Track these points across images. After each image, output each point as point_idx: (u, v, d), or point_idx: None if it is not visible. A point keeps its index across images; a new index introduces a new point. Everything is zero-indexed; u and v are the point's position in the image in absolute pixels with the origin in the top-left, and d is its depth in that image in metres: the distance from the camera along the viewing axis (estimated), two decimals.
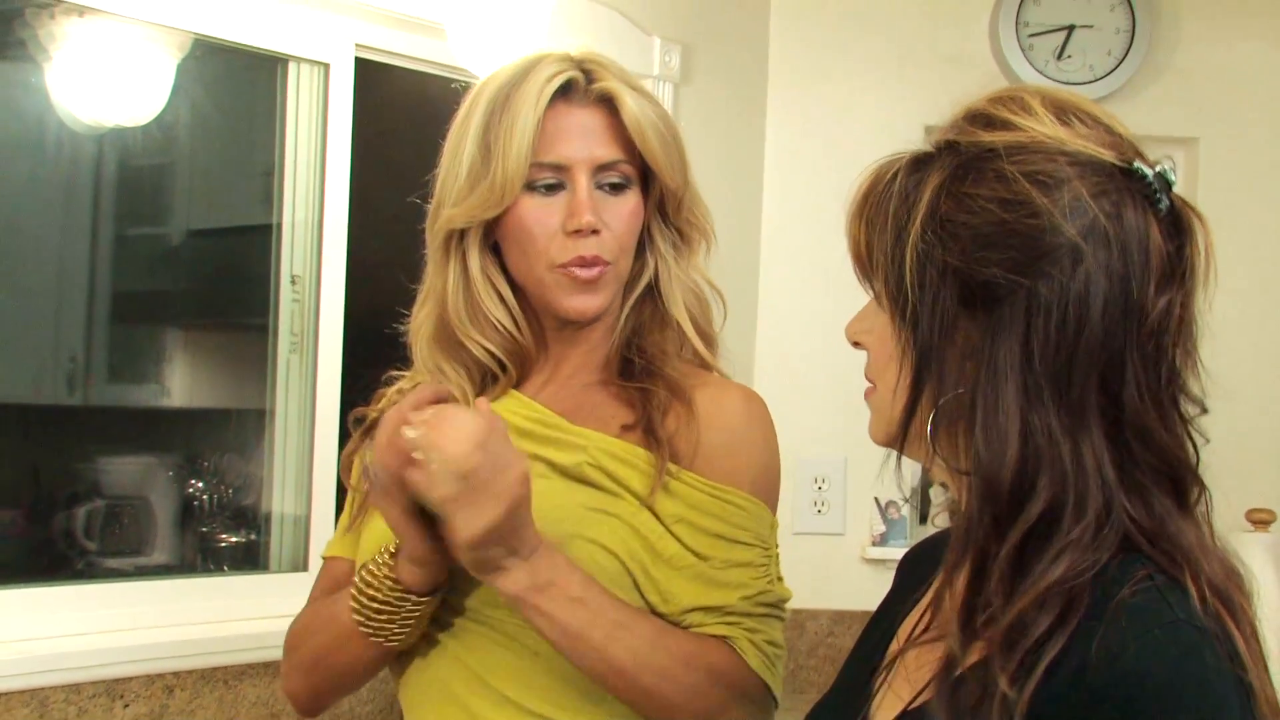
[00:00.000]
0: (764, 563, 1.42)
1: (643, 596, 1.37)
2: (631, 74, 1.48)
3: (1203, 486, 1.02)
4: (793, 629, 2.65)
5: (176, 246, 3.29)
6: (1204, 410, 1.03)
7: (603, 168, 1.43)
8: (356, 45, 2.48)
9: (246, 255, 2.75)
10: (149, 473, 3.14)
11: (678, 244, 1.48)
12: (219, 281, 3.20)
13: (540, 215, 1.41)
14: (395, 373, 1.56)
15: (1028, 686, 0.91)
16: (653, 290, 1.49)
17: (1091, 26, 3.17)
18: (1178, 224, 1.01)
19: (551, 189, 1.42)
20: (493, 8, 2.23)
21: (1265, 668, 0.98)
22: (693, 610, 1.37)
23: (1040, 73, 3.15)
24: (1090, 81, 3.17)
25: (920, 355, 1.00)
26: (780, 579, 1.46)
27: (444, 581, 1.36)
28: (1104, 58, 3.18)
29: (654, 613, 1.37)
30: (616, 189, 1.44)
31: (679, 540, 1.38)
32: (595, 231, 1.41)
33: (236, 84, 2.76)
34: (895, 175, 1.03)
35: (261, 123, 2.57)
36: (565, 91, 1.42)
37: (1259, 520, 3.01)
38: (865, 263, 1.04)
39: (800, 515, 3.13)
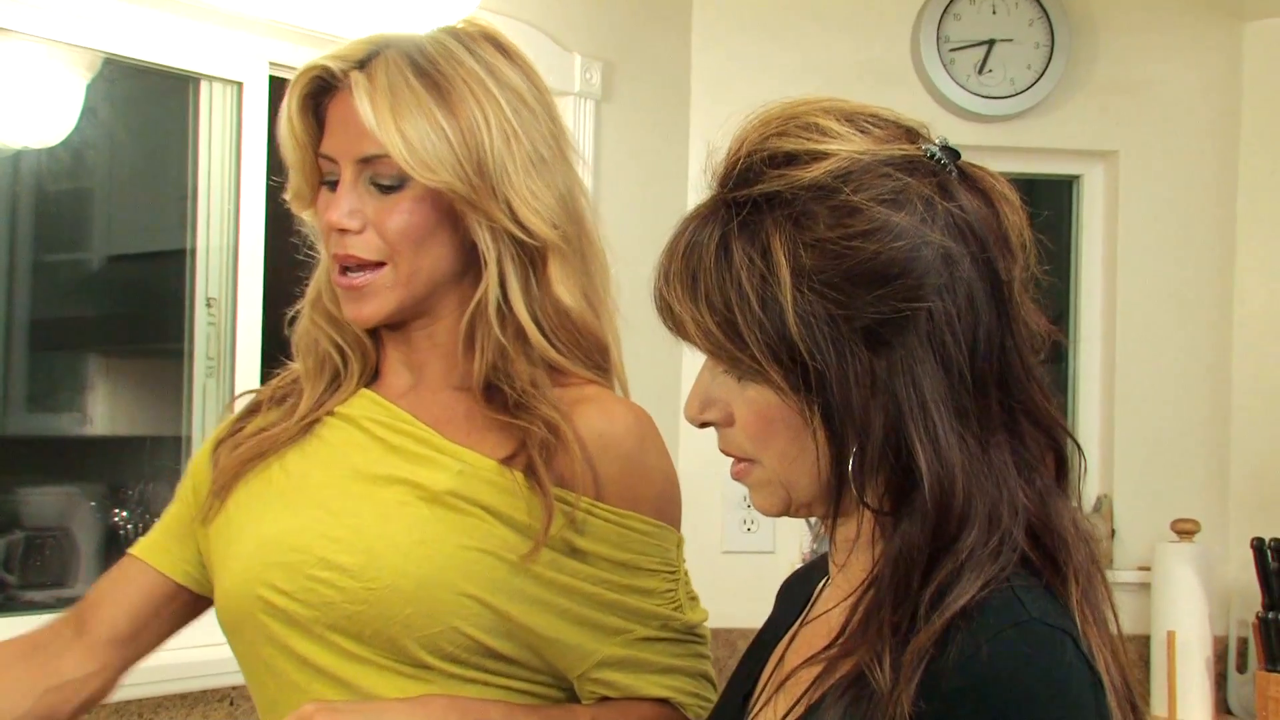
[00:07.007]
0: (669, 588, 1.34)
1: (525, 646, 1.29)
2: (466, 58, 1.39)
3: (1079, 447, 1.01)
4: (724, 647, 2.63)
5: (94, 272, 3.23)
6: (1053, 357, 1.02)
7: (367, 162, 1.31)
8: (270, 63, 2.45)
9: (164, 279, 2.70)
10: (71, 503, 3.07)
11: (517, 258, 1.32)
12: (137, 306, 3.14)
13: (321, 210, 1.35)
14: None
15: (908, 695, 0.90)
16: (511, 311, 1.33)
17: (1011, 40, 3.20)
18: (982, 191, 1.00)
19: (334, 184, 1.33)
20: (406, 24, 2.20)
21: (1118, 656, 0.97)
22: (601, 666, 1.30)
23: (962, 87, 3.17)
24: (1011, 95, 3.19)
25: (834, 412, 0.95)
26: (694, 598, 1.38)
27: None
28: (1024, 72, 3.20)
29: (552, 673, 1.31)
30: (385, 190, 1.31)
31: (578, 573, 1.29)
32: (347, 230, 1.31)
33: (148, 104, 2.71)
34: (722, 247, 0.97)
35: (175, 143, 2.52)
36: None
37: (1184, 530, 3.03)
38: (722, 343, 0.98)
39: (730, 534, 3.11)
